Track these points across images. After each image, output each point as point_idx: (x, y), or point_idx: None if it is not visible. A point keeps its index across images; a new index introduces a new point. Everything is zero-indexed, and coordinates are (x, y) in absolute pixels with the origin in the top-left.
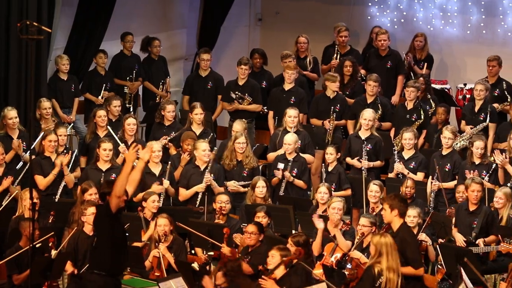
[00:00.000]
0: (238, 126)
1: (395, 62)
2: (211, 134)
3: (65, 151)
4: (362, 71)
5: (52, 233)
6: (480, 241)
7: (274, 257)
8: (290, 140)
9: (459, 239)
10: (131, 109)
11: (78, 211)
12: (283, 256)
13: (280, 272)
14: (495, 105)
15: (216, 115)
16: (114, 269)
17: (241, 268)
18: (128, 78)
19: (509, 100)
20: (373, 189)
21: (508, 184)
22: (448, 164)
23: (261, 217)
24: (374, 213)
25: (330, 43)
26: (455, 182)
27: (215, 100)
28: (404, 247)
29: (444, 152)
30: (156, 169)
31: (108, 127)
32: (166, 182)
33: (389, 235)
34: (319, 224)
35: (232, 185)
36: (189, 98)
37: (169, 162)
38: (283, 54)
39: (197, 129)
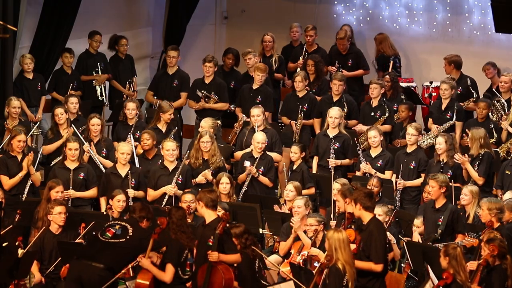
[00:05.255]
0: (205, 124)
1: (356, 60)
2: (175, 129)
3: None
4: (333, 68)
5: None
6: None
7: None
8: (261, 139)
9: (415, 235)
10: (105, 101)
11: (42, 209)
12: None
13: (208, 216)
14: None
15: (177, 106)
16: None
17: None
18: (94, 72)
19: (474, 96)
20: (335, 188)
21: (470, 183)
22: (413, 162)
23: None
24: (340, 211)
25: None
26: (419, 180)
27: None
28: (370, 241)
29: (409, 150)
30: (122, 171)
31: (73, 126)
32: (131, 192)
33: (344, 230)
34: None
35: (201, 178)
36: (153, 94)
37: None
38: (244, 51)
39: (163, 127)
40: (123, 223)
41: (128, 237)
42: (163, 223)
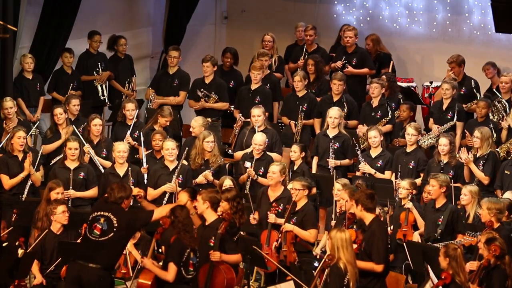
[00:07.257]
0: (196, 123)
1: (361, 60)
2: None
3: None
4: (339, 64)
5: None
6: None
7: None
8: (260, 140)
9: (415, 235)
10: (107, 100)
11: (42, 209)
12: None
13: (210, 216)
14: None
15: (174, 103)
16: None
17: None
18: (94, 72)
19: (478, 98)
20: (336, 187)
21: (473, 183)
22: (412, 162)
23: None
24: (342, 209)
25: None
26: (418, 180)
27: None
28: (371, 241)
29: (408, 150)
30: (120, 170)
31: (73, 126)
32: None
33: (347, 230)
34: None
35: (202, 178)
36: (154, 92)
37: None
38: (259, 52)
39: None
40: (107, 214)
41: (115, 229)
42: (166, 223)
